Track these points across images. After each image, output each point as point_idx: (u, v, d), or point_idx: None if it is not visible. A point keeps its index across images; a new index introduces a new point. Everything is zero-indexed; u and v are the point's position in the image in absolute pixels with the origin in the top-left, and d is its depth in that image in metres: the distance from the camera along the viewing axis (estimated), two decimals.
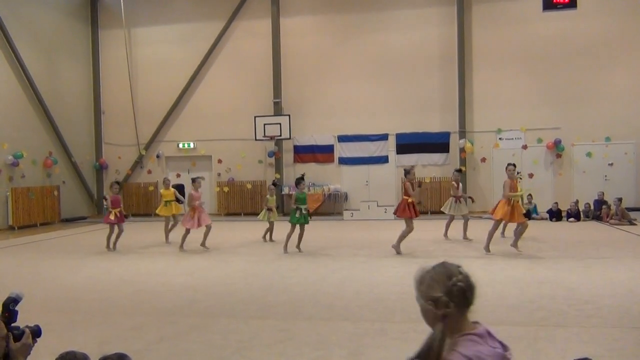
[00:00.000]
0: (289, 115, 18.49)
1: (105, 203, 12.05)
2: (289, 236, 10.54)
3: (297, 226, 10.51)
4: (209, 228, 11.08)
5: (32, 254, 11.39)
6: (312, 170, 19.07)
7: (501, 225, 11.06)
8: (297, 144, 19.33)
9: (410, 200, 9.92)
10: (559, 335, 5.15)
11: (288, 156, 19.48)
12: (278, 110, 19.11)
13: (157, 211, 13.04)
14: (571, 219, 15.32)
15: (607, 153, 17.38)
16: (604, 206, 15.21)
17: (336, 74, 19.01)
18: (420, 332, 5.35)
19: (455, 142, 18.26)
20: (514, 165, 10.19)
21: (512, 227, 10.58)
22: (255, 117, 18.57)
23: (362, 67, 18.86)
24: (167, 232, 12.70)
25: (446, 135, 18.42)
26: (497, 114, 18.01)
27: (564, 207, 15.82)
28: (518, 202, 9.96)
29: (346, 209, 17.96)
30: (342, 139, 19.08)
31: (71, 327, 5.83)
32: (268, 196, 12.28)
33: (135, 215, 19.16)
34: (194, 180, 11.36)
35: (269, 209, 11.99)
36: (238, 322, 5.86)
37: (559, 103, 17.63)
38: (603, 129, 17.36)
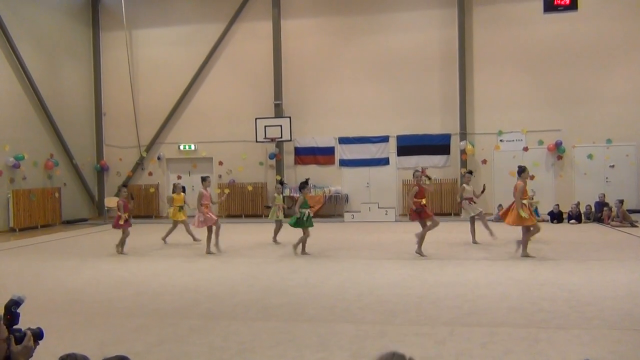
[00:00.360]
0: (290, 117, 18.51)
1: (115, 208, 12.00)
2: (304, 240, 10.48)
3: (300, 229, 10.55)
4: (218, 227, 11.05)
5: (33, 255, 11.40)
6: (312, 172, 19.05)
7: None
8: (298, 145, 19.34)
9: (423, 202, 9.92)
10: (560, 337, 5.15)
11: (289, 158, 19.50)
12: (279, 112, 19.13)
13: (170, 216, 12.99)
14: (572, 221, 15.31)
15: (608, 155, 17.37)
16: (605, 208, 15.20)
17: (337, 76, 19.03)
18: (421, 335, 5.38)
19: (456, 144, 18.26)
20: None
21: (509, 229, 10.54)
22: (256, 119, 18.59)
23: (363, 69, 18.88)
24: (168, 233, 12.74)
25: (447, 137, 18.42)
26: (498, 115, 18.01)
27: (565, 209, 15.81)
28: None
29: (347, 211, 17.96)
30: (343, 140, 19.09)
31: (72, 328, 5.84)
32: (276, 194, 12.29)
33: (135, 217, 19.13)
34: (203, 179, 11.34)
35: (272, 207, 12.06)
36: (239, 324, 5.87)
37: (560, 105, 17.64)
38: (604, 131, 17.35)
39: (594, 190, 16.64)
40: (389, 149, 18.80)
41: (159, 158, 20.40)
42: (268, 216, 12.66)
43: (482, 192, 11.98)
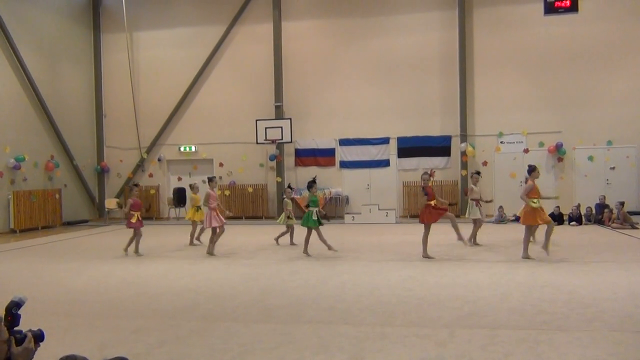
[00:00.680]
0: (290, 119, 18.52)
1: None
2: (307, 240, 10.57)
3: (304, 228, 10.58)
4: (222, 232, 11.06)
5: (34, 257, 11.40)
6: (313, 174, 18.97)
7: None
8: (299, 147, 19.35)
9: (434, 203, 9.92)
10: (560, 339, 5.14)
11: (289, 160, 19.51)
12: (279, 113, 19.14)
13: (188, 217, 12.91)
14: (573, 223, 15.30)
15: (609, 157, 17.38)
16: (605, 210, 15.19)
17: (337, 77, 19.05)
18: (421, 337, 5.38)
19: (456, 146, 18.26)
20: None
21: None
22: (256, 120, 18.61)
23: (364, 71, 18.90)
24: (196, 236, 12.68)
25: (447, 139, 18.42)
26: (498, 117, 18.02)
27: (566, 210, 15.81)
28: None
29: (347, 213, 17.95)
30: (344, 142, 19.11)
31: (72, 330, 5.83)
32: (286, 199, 12.29)
33: None
34: (210, 179, 11.34)
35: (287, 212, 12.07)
36: (239, 325, 5.86)
37: (560, 106, 17.64)
38: (605, 133, 17.36)
39: (594, 192, 16.64)
40: (390, 151, 18.82)
41: (159, 159, 20.42)
42: (278, 220, 12.65)
43: (488, 201, 11.97)
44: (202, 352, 5.00)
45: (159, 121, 20.19)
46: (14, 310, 2.27)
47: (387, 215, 17.05)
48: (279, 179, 19.25)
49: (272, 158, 19.27)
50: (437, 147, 18.48)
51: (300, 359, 4.77)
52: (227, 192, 19.40)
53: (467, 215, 11.99)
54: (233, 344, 5.22)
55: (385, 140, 18.81)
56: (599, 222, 15.26)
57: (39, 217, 17.14)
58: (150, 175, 20.32)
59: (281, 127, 18.34)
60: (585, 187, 17.36)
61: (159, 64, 20.23)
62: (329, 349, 5.00)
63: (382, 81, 18.82)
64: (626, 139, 17.25)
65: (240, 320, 6.08)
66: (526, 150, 17.83)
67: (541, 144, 17.78)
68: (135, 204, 11.25)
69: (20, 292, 2.38)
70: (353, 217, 17.37)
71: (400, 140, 18.70)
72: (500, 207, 16.34)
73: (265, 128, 18.39)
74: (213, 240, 10.97)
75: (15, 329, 2.25)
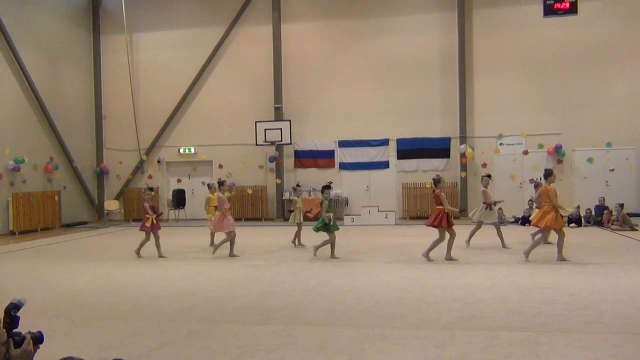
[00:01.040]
0: (290, 121, 18.52)
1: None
2: (333, 244, 10.49)
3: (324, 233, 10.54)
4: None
5: (33, 259, 11.39)
6: (312, 176, 19.08)
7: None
8: (298, 149, 19.36)
9: (446, 210, 9.92)
10: (560, 340, 5.14)
11: (289, 161, 19.51)
12: (279, 115, 19.15)
13: (210, 216, 12.79)
14: (572, 225, 15.30)
15: (608, 158, 17.39)
16: (605, 212, 15.21)
17: (337, 79, 19.06)
18: (421, 338, 5.38)
19: (456, 148, 18.27)
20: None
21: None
22: (256, 122, 18.61)
23: (363, 73, 18.91)
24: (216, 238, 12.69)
25: (447, 141, 18.43)
26: (497, 119, 18.04)
27: (565, 212, 15.80)
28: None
29: (347, 214, 17.95)
30: (343, 144, 19.11)
31: (71, 332, 5.83)
32: (296, 198, 12.30)
33: (136, 220, 19.15)
34: (221, 183, 11.36)
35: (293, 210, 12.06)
36: (238, 327, 5.86)
37: (559, 108, 17.66)
38: (604, 135, 17.37)
39: (594, 194, 16.65)
40: (389, 152, 18.82)
41: (158, 161, 20.42)
42: (289, 220, 12.66)
43: (495, 203, 11.94)
44: (201, 354, 4.99)
45: (159, 123, 20.19)
46: (13, 312, 2.26)
47: (386, 217, 17.05)
48: (279, 181, 19.25)
49: (271, 160, 19.27)
50: (437, 148, 18.49)
51: None
52: (226, 194, 19.36)
53: (475, 219, 11.84)
54: (232, 345, 5.21)
55: (384, 142, 18.82)
56: (599, 223, 15.27)
57: (38, 219, 17.12)
58: (150, 177, 20.31)
59: (280, 129, 18.35)
60: (584, 189, 17.37)
61: (159, 65, 20.24)
62: (329, 350, 5.00)
63: (382, 83, 18.83)
64: (625, 140, 17.27)
65: (240, 322, 6.07)
66: (525, 152, 17.84)
67: (540, 146, 17.79)
68: (151, 207, 11.30)
69: (19, 294, 2.37)
70: (352, 218, 17.37)
71: (400, 141, 18.70)
72: (500, 208, 16.33)
73: (265, 130, 18.40)
74: (222, 243, 11.01)
75: (14, 331, 2.25)
